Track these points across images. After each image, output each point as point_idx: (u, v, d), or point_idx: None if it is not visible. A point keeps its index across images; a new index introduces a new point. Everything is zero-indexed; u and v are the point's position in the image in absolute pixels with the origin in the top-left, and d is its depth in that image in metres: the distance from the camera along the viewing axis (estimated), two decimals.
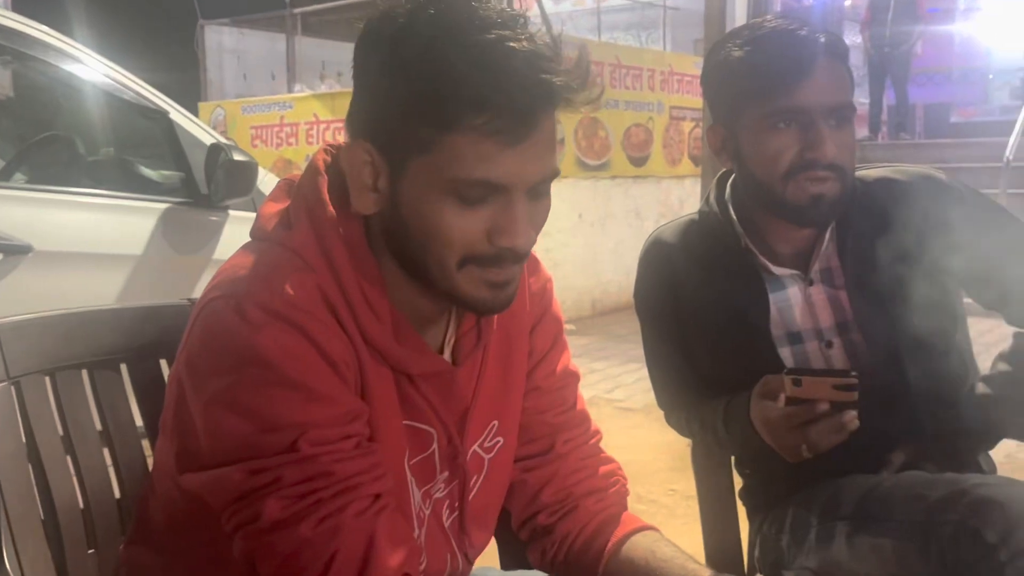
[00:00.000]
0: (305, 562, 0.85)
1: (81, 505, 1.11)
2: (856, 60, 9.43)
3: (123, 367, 1.16)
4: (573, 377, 1.16)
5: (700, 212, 1.49)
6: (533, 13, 7.98)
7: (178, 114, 3.06)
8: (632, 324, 1.56)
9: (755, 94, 1.32)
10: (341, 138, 0.96)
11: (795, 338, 1.40)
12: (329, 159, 0.98)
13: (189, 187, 3.01)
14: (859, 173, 1.41)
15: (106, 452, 1.14)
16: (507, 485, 1.13)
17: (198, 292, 0.96)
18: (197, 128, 3.11)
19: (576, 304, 7.20)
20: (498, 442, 1.08)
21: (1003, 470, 1.49)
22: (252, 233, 0.97)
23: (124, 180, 3.12)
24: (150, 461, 1.08)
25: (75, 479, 1.11)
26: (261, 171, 3.06)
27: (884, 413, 1.30)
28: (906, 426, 1.37)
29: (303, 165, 1.03)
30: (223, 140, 3.07)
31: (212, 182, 2.89)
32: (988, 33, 11.52)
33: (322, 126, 7.91)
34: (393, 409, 0.96)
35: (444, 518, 1.06)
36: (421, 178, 0.87)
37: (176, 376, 0.93)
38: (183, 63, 10.87)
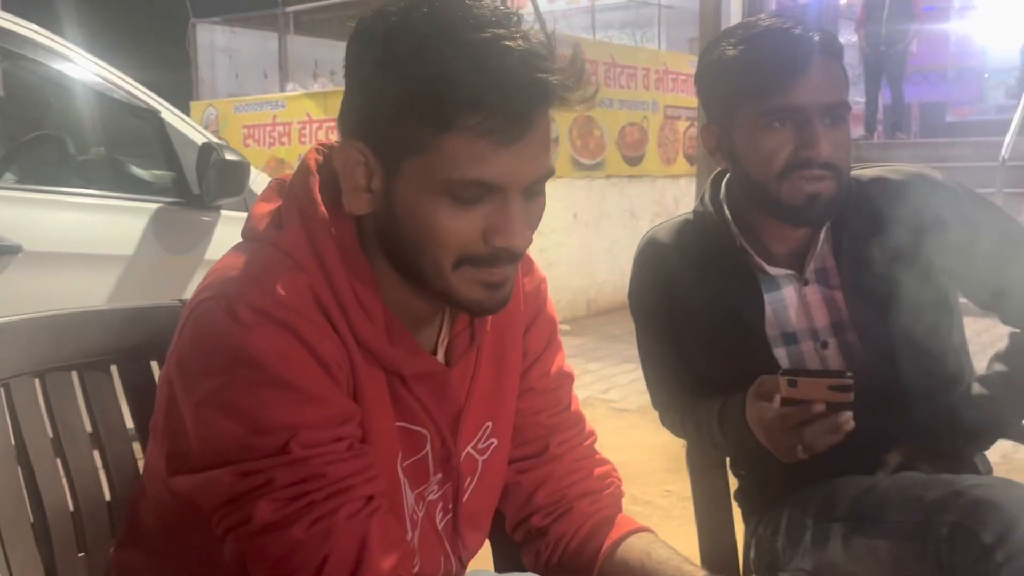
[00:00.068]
0: (297, 564, 0.85)
1: (71, 508, 1.10)
2: (851, 59, 9.44)
3: (113, 368, 1.16)
4: (567, 378, 1.16)
5: (695, 212, 1.49)
6: (527, 11, 7.97)
7: (169, 113, 3.05)
8: (627, 324, 1.56)
9: (750, 93, 1.31)
10: (334, 137, 0.95)
11: (790, 338, 1.40)
12: (321, 159, 0.97)
13: (180, 187, 3.00)
14: (854, 173, 1.41)
15: (96, 454, 1.14)
16: (501, 487, 1.12)
17: (190, 293, 0.95)
18: (188, 127, 3.10)
19: (571, 304, 7.20)
20: (492, 443, 1.08)
21: (999, 471, 1.49)
22: (243, 233, 0.97)
23: (115, 180, 3.11)
24: (140, 463, 1.07)
25: (65, 482, 1.10)
26: (253, 171, 3.05)
27: (880, 414, 1.30)
28: (902, 427, 1.36)
29: (296, 165, 1.03)
30: (215, 139, 3.06)
31: (204, 182, 2.88)
32: (984, 32, 11.54)
33: (315, 125, 7.89)
34: (386, 410, 0.96)
35: (437, 520, 1.06)
36: (415, 178, 0.87)
37: (167, 377, 0.93)
38: (175, 62, 10.84)
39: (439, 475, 1.03)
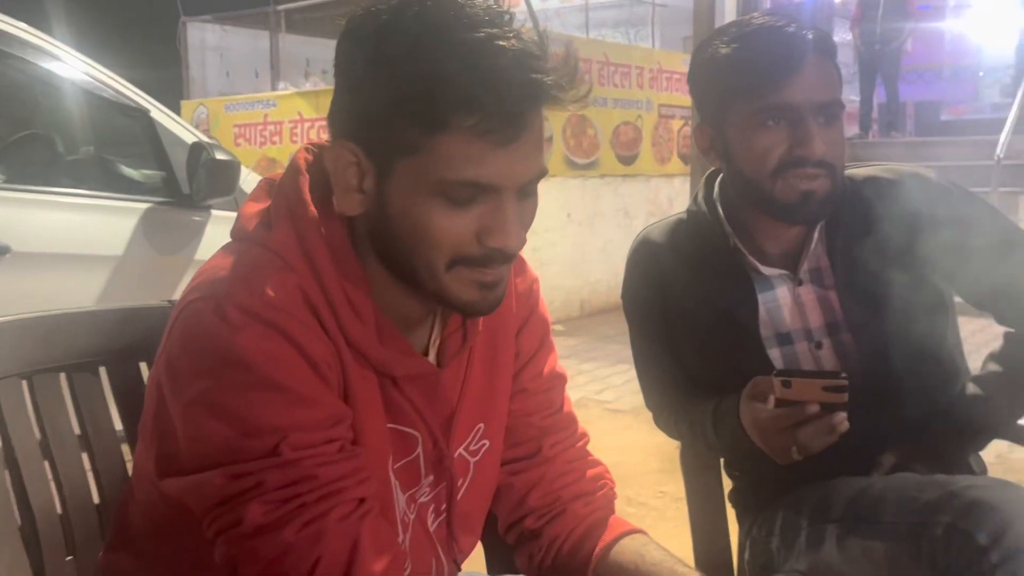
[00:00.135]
0: (288, 567, 0.84)
1: (59, 511, 1.09)
2: (846, 57, 9.45)
3: (102, 370, 1.15)
4: (560, 379, 1.15)
5: (688, 211, 1.48)
6: (520, 10, 7.96)
7: (159, 112, 3.04)
8: (621, 325, 1.55)
9: (743, 91, 1.31)
10: (326, 136, 0.94)
11: (784, 339, 1.39)
12: (311, 158, 0.97)
13: (170, 186, 2.99)
14: (848, 173, 1.40)
15: (85, 457, 1.13)
16: (493, 489, 1.12)
17: (180, 294, 0.95)
18: (178, 126, 3.08)
19: (565, 304, 7.20)
20: (484, 445, 1.07)
21: (994, 471, 1.49)
22: (232, 233, 0.96)
23: (104, 179, 3.10)
24: (130, 466, 1.06)
25: (53, 484, 1.09)
26: (244, 170, 3.04)
27: (874, 414, 1.30)
28: (896, 427, 1.36)
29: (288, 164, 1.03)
30: (205, 139, 3.05)
31: (194, 181, 2.87)
32: (978, 30, 11.56)
33: (306, 124, 7.88)
34: (377, 412, 0.95)
35: (429, 522, 1.05)
36: (409, 179, 0.86)
37: (155, 379, 0.92)
38: (165, 60, 10.80)
39: (431, 477, 1.03)
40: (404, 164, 0.86)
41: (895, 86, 9.57)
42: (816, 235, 1.38)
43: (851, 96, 9.16)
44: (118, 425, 1.15)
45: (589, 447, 1.17)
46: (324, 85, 8.71)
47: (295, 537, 0.84)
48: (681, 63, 8.40)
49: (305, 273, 0.89)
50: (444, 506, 1.06)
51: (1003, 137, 7.34)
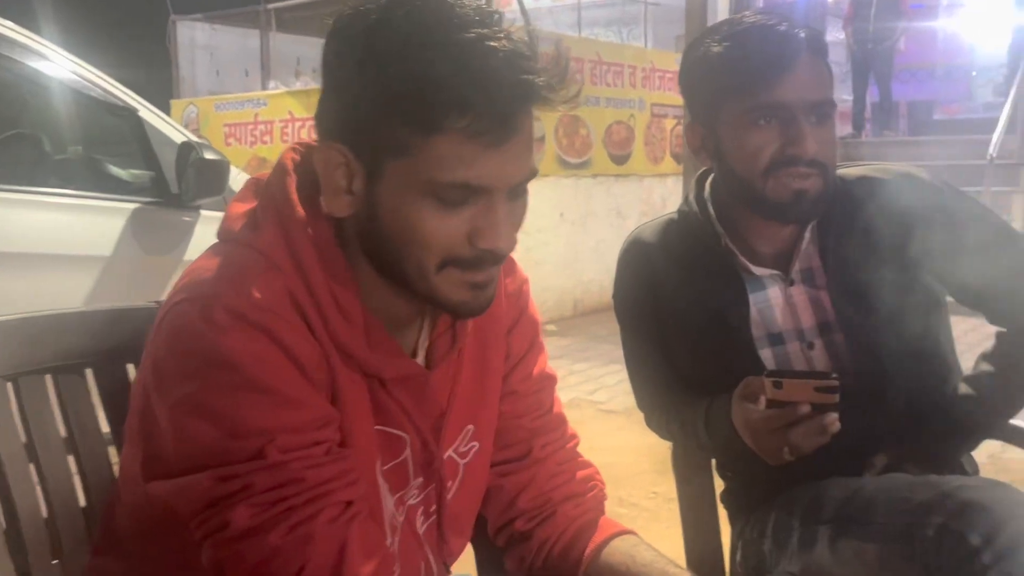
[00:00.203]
0: (275, 571, 0.84)
1: (45, 514, 1.08)
2: (839, 56, 9.46)
3: (89, 372, 1.13)
4: (550, 380, 1.15)
5: (679, 211, 1.48)
6: (512, 9, 7.96)
7: (148, 111, 3.03)
8: (614, 325, 1.55)
9: (735, 90, 1.30)
10: (316, 136, 0.93)
11: (776, 339, 1.39)
12: (298, 158, 0.96)
13: (159, 186, 2.98)
14: (839, 172, 1.40)
15: (71, 459, 1.11)
16: (483, 491, 1.11)
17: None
18: (167, 126, 3.07)
19: (557, 304, 7.19)
20: (473, 447, 1.07)
21: (986, 471, 1.49)
22: (219, 234, 0.96)
23: (92, 179, 3.09)
24: (116, 468, 1.05)
25: (39, 487, 1.08)
26: (234, 170, 3.03)
27: (866, 415, 1.30)
28: (888, 428, 1.36)
29: None
30: (194, 138, 3.04)
31: (183, 181, 2.86)
32: (971, 30, 11.58)
33: (297, 124, 7.85)
34: (365, 414, 0.94)
35: (418, 525, 1.04)
36: (399, 180, 0.86)
37: (142, 381, 0.91)
38: (154, 59, 10.76)
39: (420, 479, 1.02)
40: (394, 165, 0.85)
41: (888, 85, 9.59)
42: (808, 235, 1.38)
43: (844, 95, 9.16)
44: (105, 427, 1.14)
45: (581, 448, 1.17)
46: (315, 84, 8.67)
47: (282, 541, 0.83)
48: (674, 62, 8.38)
49: (292, 274, 0.88)
50: (433, 508, 1.05)
51: (996, 136, 7.37)
